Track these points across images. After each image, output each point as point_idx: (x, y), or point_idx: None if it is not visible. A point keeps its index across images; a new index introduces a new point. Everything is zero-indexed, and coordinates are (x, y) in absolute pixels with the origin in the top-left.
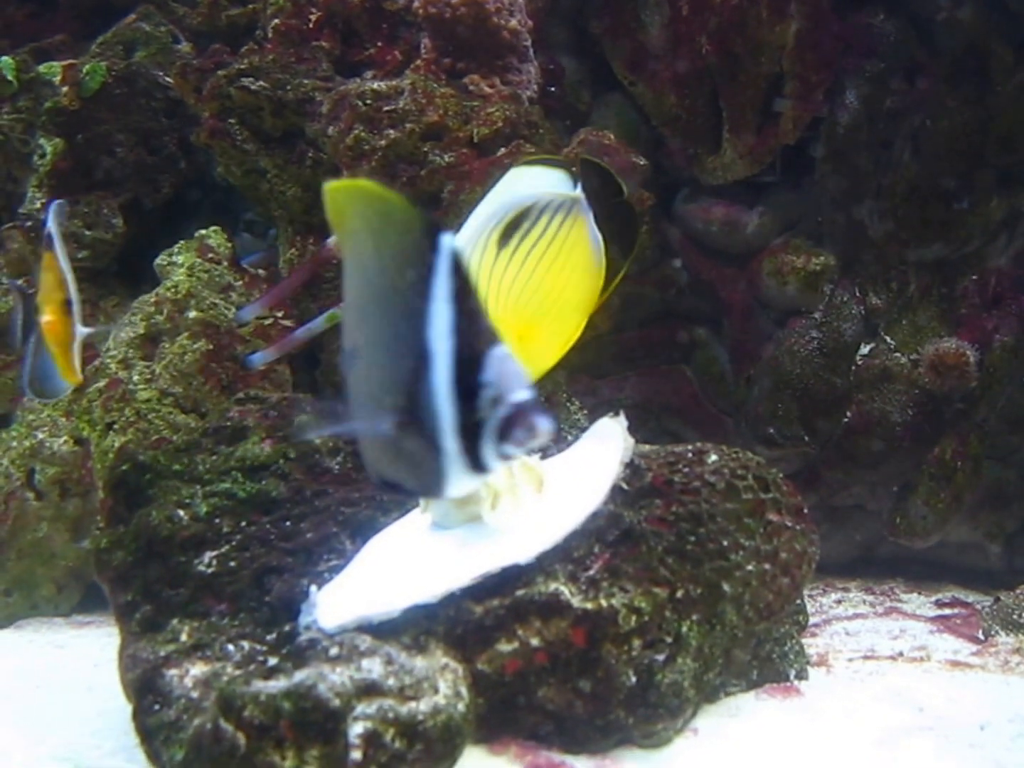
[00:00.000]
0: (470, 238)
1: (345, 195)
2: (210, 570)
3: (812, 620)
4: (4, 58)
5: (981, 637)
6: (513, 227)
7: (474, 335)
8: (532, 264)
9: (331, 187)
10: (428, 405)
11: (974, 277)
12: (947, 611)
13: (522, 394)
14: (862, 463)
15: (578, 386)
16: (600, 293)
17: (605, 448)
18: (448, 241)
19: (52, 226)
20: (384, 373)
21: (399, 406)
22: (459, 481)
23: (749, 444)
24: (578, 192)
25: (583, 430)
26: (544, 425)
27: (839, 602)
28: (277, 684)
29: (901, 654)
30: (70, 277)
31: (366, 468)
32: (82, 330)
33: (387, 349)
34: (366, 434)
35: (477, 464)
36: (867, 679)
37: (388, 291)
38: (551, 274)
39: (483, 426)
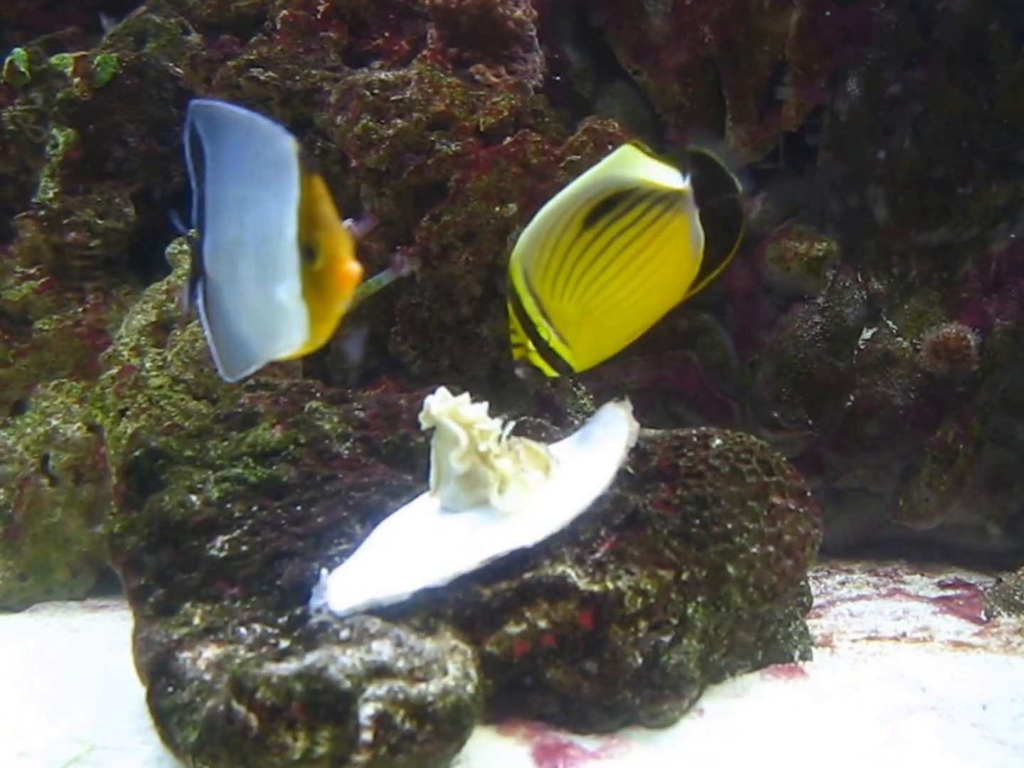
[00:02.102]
0: (555, 209)
1: None
2: (222, 554)
3: (816, 601)
4: (16, 50)
5: (983, 618)
6: (604, 208)
7: None
8: (613, 252)
9: None
10: None
11: (975, 262)
12: (949, 592)
13: None
14: (865, 446)
15: (584, 371)
16: (688, 291)
17: (611, 433)
18: None
19: (288, 145)
20: None
21: None
22: None
23: (754, 428)
24: (685, 186)
25: (589, 414)
26: None
27: (843, 584)
28: (288, 666)
29: (904, 635)
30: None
31: None
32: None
33: None
34: None
35: None
36: (871, 659)
37: None
38: (631, 266)
39: None
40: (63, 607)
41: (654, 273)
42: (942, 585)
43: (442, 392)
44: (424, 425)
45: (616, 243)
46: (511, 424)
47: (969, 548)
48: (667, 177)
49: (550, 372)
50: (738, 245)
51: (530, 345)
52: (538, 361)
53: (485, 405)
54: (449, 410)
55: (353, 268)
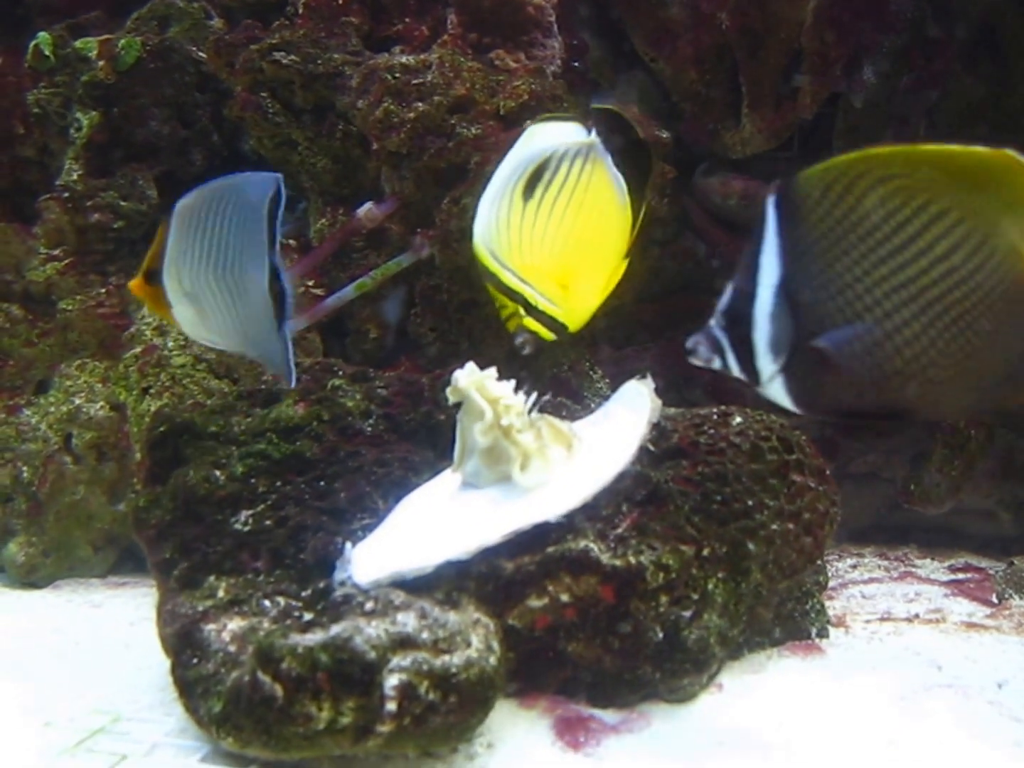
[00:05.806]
0: (494, 195)
1: None
2: (246, 528)
3: (829, 583)
4: (41, 34)
5: (995, 601)
6: (535, 179)
7: None
8: (559, 212)
9: None
10: None
11: None
12: (960, 576)
13: None
14: (877, 431)
15: (599, 356)
16: (631, 231)
17: (632, 409)
18: None
19: None
20: None
21: None
22: None
23: (767, 413)
24: (593, 137)
25: (605, 398)
26: None
27: (855, 567)
28: (314, 637)
29: (917, 616)
30: None
31: None
32: None
33: None
34: None
35: None
36: (885, 639)
37: None
38: (579, 219)
39: None
40: (85, 584)
41: (597, 218)
42: (953, 569)
43: (470, 366)
44: (451, 399)
45: (558, 203)
46: (534, 398)
47: (979, 533)
48: (576, 136)
49: (547, 334)
50: (650, 175)
51: (521, 311)
52: (533, 325)
53: (512, 383)
54: (476, 382)
55: None
